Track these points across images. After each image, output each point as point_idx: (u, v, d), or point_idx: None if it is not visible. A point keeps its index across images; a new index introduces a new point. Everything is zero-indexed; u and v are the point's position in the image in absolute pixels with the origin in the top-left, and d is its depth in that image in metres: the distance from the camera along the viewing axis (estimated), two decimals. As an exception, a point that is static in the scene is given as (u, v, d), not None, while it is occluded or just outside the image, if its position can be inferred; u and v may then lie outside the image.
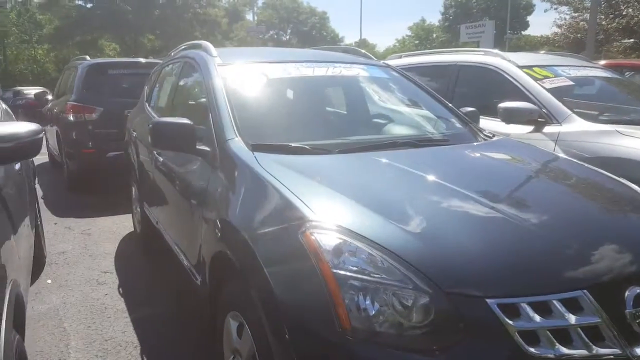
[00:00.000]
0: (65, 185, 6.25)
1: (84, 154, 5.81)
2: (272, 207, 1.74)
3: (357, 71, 3.07)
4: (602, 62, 6.76)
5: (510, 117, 3.66)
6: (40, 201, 5.47)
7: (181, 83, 3.28)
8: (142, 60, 7.01)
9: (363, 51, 3.57)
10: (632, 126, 3.31)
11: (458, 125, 2.82)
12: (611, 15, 15.04)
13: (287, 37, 52.54)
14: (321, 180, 1.81)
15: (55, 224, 4.69)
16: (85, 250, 3.96)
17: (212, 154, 2.24)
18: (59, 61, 28.86)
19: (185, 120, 2.28)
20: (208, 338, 2.12)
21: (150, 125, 2.29)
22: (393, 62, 5.26)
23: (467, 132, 2.72)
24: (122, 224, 4.65)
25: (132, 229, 4.37)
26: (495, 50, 4.46)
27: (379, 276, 1.38)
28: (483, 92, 4.30)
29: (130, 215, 4.38)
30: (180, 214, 2.69)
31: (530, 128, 3.63)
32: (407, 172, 1.96)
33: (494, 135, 2.73)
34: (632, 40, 14.97)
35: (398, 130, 2.78)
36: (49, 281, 3.36)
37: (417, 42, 46.18)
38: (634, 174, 2.85)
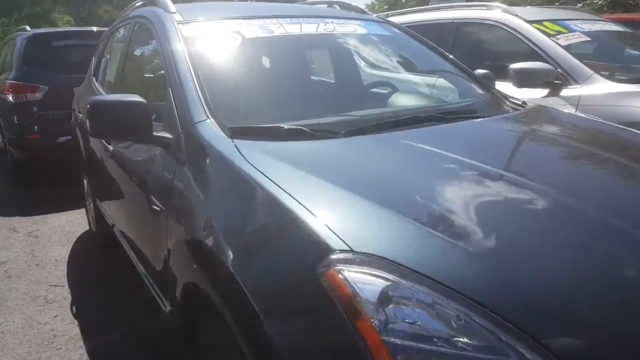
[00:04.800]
0: (9, 177, 5.49)
1: (29, 140, 5.07)
2: (270, 226, 1.19)
3: (354, 28, 2.45)
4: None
5: (523, 79, 3.19)
6: (-22, 198, 4.76)
7: (133, 50, 2.63)
8: (94, 29, 6.03)
9: (355, 4, 2.94)
10: None
11: (479, 91, 2.31)
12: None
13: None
14: (337, 181, 1.24)
15: (-4, 225, 4.00)
16: (32, 258, 3.30)
17: (175, 143, 1.65)
18: (6, 36, 26.87)
19: (135, 98, 1.66)
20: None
21: (87, 106, 1.67)
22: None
23: (492, 101, 2.22)
24: (77, 222, 3.98)
25: (88, 228, 3.73)
26: (497, 3, 3.94)
27: (458, 341, 0.85)
28: (486, 52, 3.80)
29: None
30: (139, 221, 2.09)
31: (546, 92, 3.18)
32: (450, 162, 1.41)
33: (524, 103, 2.23)
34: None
35: (414, 100, 2.24)
36: (-18, 303, 2.72)
37: (386, 7, 44.96)
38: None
